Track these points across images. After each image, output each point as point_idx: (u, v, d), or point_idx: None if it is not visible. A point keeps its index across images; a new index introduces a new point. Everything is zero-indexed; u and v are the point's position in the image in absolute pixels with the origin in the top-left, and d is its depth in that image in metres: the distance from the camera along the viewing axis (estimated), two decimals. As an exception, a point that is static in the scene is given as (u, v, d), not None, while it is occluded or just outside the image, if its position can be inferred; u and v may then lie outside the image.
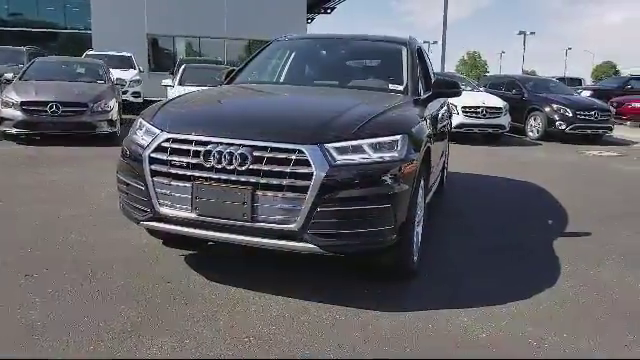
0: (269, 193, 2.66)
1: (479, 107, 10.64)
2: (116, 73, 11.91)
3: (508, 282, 3.36)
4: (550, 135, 11.98)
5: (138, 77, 15.06)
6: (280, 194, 2.65)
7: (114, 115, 9.11)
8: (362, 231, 2.71)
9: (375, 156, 2.73)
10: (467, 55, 62.90)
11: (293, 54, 4.58)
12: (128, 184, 3.07)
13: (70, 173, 6.18)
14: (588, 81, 35.23)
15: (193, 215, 2.80)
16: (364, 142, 2.74)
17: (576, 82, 25.08)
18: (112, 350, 2.33)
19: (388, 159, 2.75)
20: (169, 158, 2.83)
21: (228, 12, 22.21)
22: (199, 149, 2.76)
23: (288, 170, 2.63)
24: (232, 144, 2.72)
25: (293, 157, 2.64)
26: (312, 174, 2.60)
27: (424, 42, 55.28)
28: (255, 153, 2.67)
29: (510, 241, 4.25)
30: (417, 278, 3.25)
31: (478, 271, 3.51)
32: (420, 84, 4.02)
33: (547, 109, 12.13)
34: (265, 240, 2.74)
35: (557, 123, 11.85)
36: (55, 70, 10.33)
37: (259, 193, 2.66)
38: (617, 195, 6.43)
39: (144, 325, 2.56)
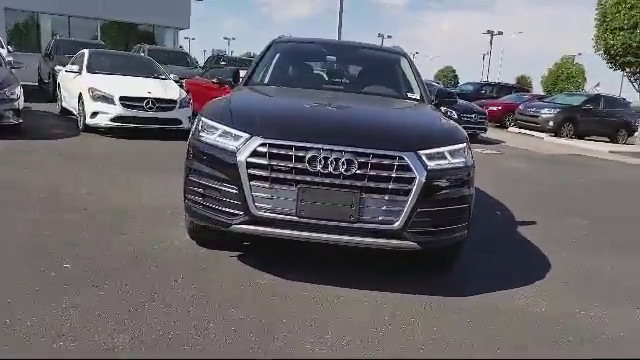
0: (374, 196, 2.92)
1: (145, 98, 8.76)
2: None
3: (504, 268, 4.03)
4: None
5: (11, 58, 13.35)
6: (385, 196, 2.93)
7: (20, 104, 8.16)
8: (450, 228, 3.13)
9: (454, 161, 3.15)
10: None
11: (304, 58, 4.75)
12: (213, 188, 3.07)
13: None
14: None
15: (296, 218, 2.94)
16: (445, 149, 3.14)
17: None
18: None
19: (462, 164, 3.19)
20: (270, 163, 2.92)
21: (105, -11, 20.62)
22: (302, 154, 2.91)
23: (393, 175, 2.92)
24: (336, 150, 2.91)
25: (395, 163, 2.94)
26: (414, 178, 2.93)
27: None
28: (359, 159, 2.91)
29: (481, 233, 4.98)
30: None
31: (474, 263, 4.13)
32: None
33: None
34: (368, 239, 3.00)
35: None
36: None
37: (365, 196, 2.91)
38: (523, 187, 7.67)
39: (280, 328, 2.68)
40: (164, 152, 7.59)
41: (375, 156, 2.93)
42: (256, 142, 2.96)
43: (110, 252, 3.47)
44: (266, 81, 4.40)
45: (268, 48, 4.73)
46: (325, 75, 4.72)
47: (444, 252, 3.47)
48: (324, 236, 3.00)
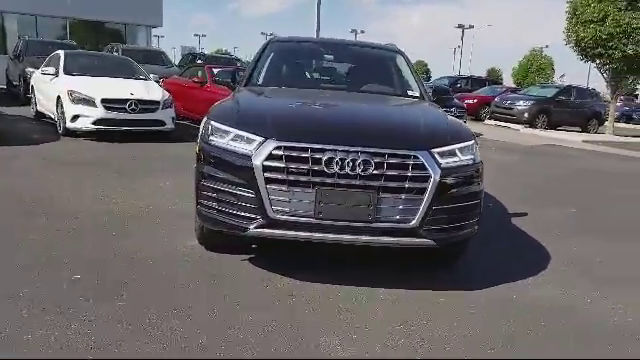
0: (391, 195, 2.95)
1: (127, 100, 8.51)
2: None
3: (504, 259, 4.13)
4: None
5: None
6: (401, 195, 2.95)
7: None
8: (463, 224, 3.18)
9: (464, 159, 3.20)
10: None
11: (302, 58, 4.74)
12: (228, 192, 3.05)
13: None
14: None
15: (313, 219, 2.94)
16: (455, 147, 3.19)
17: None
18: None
19: (471, 161, 3.24)
20: (287, 166, 2.92)
21: (73, -13, 20.02)
22: (318, 156, 2.91)
23: (409, 174, 2.95)
24: (352, 151, 2.92)
25: (410, 162, 2.96)
26: (429, 177, 2.97)
27: (261, 33, 56.00)
28: (375, 159, 2.93)
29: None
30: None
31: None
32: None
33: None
34: (385, 238, 3.02)
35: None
36: None
37: (382, 195, 2.93)
38: (510, 179, 7.84)
39: (309, 331, 2.69)
40: (158, 155, 7.47)
41: (391, 156, 2.95)
42: (271, 145, 2.95)
43: (119, 260, 3.41)
44: (266, 82, 4.37)
45: (265, 48, 4.69)
46: (324, 74, 4.71)
47: (451, 248, 3.52)
48: (342, 237, 3.01)
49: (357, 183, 2.91)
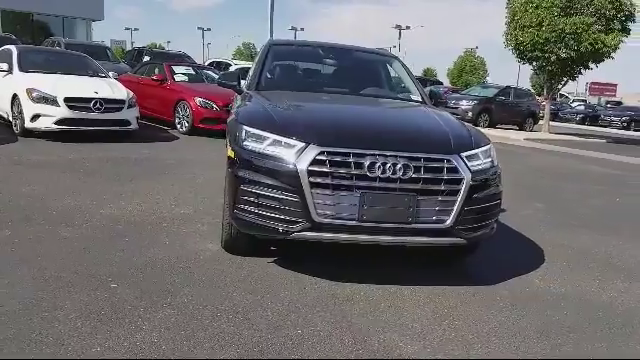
0: (428, 197, 3.12)
1: (92, 99, 8.16)
2: None
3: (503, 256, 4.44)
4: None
5: None
6: (438, 197, 3.13)
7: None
8: (487, 222, 3.40)
9: (486, 162, 3.42)
10: (243, 45, 65.12)
11: (306, 61, 4.80)
12: (270, 197, 3.09)
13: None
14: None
15: (356, 222, 3.05)
16: (478, 151, 3.40)
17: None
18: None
19: (491, 164, 3.47)
20: (331, 170, 3.01)
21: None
22: (360, 161, 3.03)
23: (445, 177, 3.13)
24: (391, 155, 3.06)
25: (445, 165, 3.15)
26: (462, 179, 3.16)
27: (198, 28, 54.58)
28: (413, 163, 3.08)
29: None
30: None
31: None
32: (424, 93, 4.79)
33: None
34: (422, 238, 3.19)
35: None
36: None
37: (420, 198, 3.10)
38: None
39: (370, 332, 2.79)
40: (130, 157, 7.23)
41: (427, 160, 3.12)
42: (314, 150, 3.03)
43: (147, 266, 3.35)
44: (276, 85, 4.40)
45: (267, 51, 4.70)
46: (331, 78, 4.80)
47: (474, 245, 3.72)
48: (383, 238, 3.15)
49: (398, 186, 3.06)
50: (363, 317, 2.92)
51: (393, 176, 3.04)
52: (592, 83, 45.64)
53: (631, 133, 27.38)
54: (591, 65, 17.37)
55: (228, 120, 3.94)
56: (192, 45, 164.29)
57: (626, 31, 16.49)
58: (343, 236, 3.11)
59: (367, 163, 3.03)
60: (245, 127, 3.31)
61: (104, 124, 8.36)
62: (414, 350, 2.61)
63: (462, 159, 3.23)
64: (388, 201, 3.07)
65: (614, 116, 31.68)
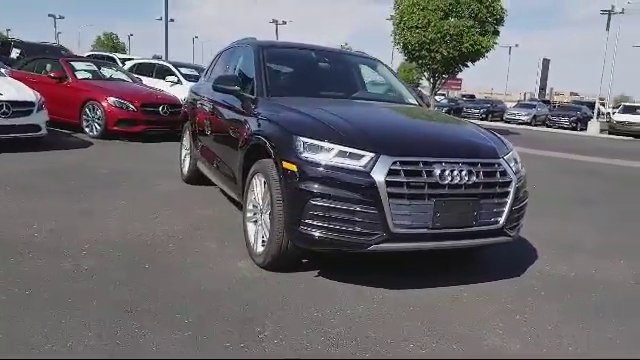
0: (487, 200, 3.26)
1: None
2: None
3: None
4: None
5: None
6: (495, 200, 3.29)
7: None
8: (522, 220, 3.63)
9: (518, 164, 3.64)
10: (104, 36, 59.92)
11: (305, 65, 4.63)
12: (344, 210, 2.98)
13: None
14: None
15: (427, 230, 3.09)
16: (511, 154, 3.62)
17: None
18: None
19: (520, 166, 3.70)
20: (407, 180, 3.00)
21: None
22: (430, 169, 3.07)
23: (499, 180, 3.30)
24: (453, 162, 3.15)
25: (497, 169, 3.32)
26: (511, 181, 3.36)
27: (49, 15, 48.99)
28: (474, 169, 3.20)
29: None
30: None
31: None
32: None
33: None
34: (480, 240, 3.33)
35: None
36: None
37: (482, 201, 3.23)
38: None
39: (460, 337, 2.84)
40: (57, 168, 6.37)
41: (483, 165, 3.26)
42: (388, 161, 2.99)
43: (201, 293, 3.04)
44: (287, 91, 4.19)
45: (262, 55, 4.42)
46: (332, 83, 4.68)
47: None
48: (448, 243, 3.23)
49: (463, 192, 3.15)
50: (456, 321, 2.96)
51: (460, 182, 3.13)
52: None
53: (490, 123, 30.82)
54: (468, 63, 19.16)
55: (260, 129, 3.64)
56: (39, 34, 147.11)
57: (497, 33, 18.48)
58: (416, 245, 3.13)
59: (438, 171, 3.07)
60: (303, 139, 3.14)
61: (14, 130, 7.25)
62: (517, 349, 2.73)
63: (507, 162, 3.43)
64: (457, 207, 3.15)
65: (474, 109, 35.31)
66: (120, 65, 13.83)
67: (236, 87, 4.16)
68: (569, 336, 2.91)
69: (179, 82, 12.04)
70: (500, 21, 18.20)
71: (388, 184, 2.97)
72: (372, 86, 4.85)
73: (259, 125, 3.68)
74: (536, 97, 40.64)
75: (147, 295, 2.98)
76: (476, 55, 18.16)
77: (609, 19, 28.13)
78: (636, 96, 65.66)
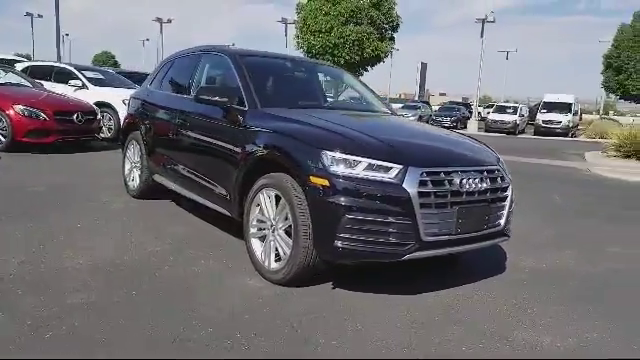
0: (495, 204, 3.51)
1: None
2: None
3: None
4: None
5: None
6: (499, 203, 3.54)
7: None
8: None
9: (505, 168, 3.95)
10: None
11: (285, 75, 4.53)
12: (378, 222, 3.04)
13: None
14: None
15: (450, 236, 3.25)
16: (501, 159, 3.92)
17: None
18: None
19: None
20: (434, 190, 3.13)
21: None
22: (450, 178, 3.24)
23: (502, 185, 3.56)
24: (468, 171, 3.36)
25: (499, 175, 3.58)
26: (509, 185, 3.65)
27: None
28: (482, 176, 3.42)
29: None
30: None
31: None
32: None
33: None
34: (488, 242, 3.56)
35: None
36: None
37: (491, 205, 3.47)
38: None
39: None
40: (41, 183, 5.56)
41: (488, 172, 3.50)
42: (417, 172, 3.10)
43: (232, 319, 2.89)
44: (279, 102, 4.08)
45: (241, 64, 4.26)
46: (313, 92, 4.63)
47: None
48: (466, 247, 3.42)
49: (478, 198, 3.36)
50: (485, 320, 3.14)
51: (475, 189, 3.33)
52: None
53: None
54: (368, 68, 20.04)
55: (270, 142, 3.54)
56: None
57: (392, 39, 19.55)
58: (442, 251, 3.27)
59: (457, 180, 3.24)
60: (329, 153, 3.12)
61: None
62: (549, 341, 2.98)
63: (502, 168, 3.71)
64: (474, 212, 3.35)
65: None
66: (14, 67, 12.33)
67: (225, 99, 3.99)
68: (587, 318, 3.24)
69: (84, 86, 11.06)
70: (396, 27, 19.27)
71: (420, 195, 3.07)
72: (349, 96, 4.92)
73: (267, 138, 3.57)
74: (416, 99, 43.67)
75: (180, 332, 2.76)
76: (376, 60, 19.03)
77: (483, 27, 30.89)
78: (495, 96, 73.58)
